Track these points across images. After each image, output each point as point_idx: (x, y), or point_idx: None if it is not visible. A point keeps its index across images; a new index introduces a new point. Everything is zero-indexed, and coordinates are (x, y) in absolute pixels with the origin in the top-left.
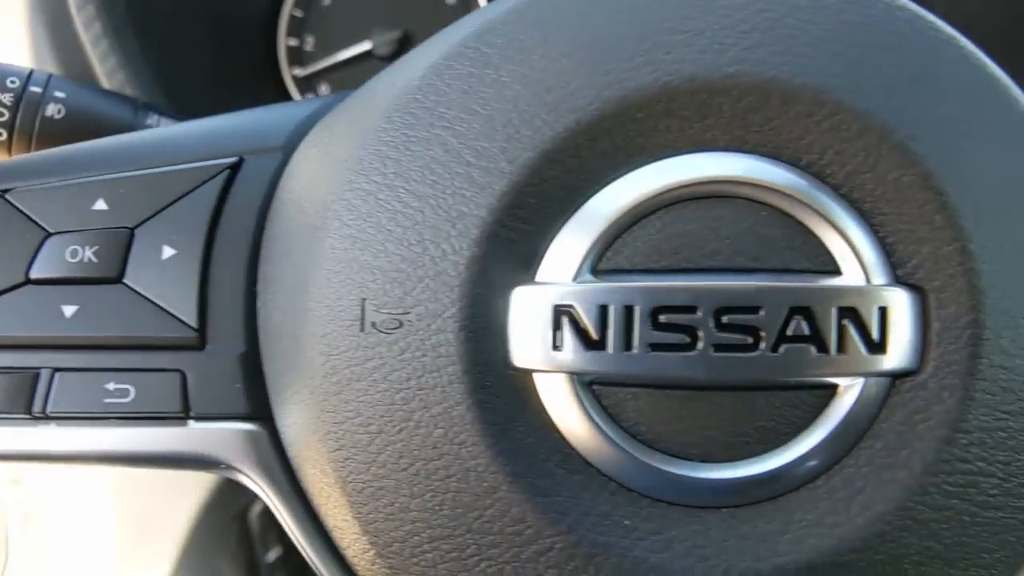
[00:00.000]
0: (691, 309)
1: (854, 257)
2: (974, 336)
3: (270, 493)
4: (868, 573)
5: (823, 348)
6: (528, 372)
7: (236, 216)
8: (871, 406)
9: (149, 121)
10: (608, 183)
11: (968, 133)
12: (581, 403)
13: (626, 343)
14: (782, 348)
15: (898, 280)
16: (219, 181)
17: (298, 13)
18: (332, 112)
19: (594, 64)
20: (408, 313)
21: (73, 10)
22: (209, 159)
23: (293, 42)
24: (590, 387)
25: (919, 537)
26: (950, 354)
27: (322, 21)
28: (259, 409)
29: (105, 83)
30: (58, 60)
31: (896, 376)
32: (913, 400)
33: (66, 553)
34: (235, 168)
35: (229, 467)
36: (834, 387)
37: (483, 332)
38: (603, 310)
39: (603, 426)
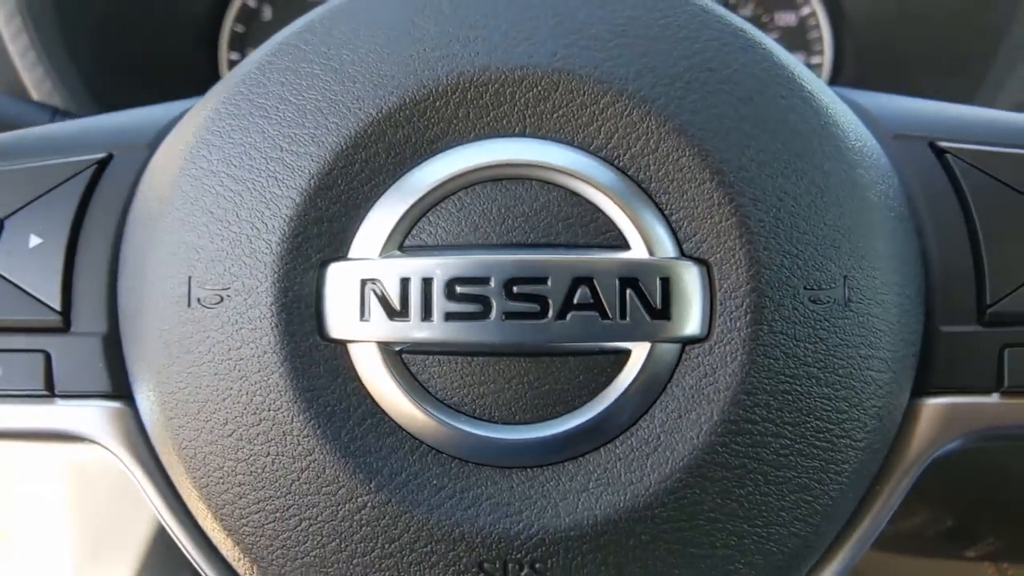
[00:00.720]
0: (484, 280)
1: (639, 233)
2: (755, 304)
3: (132, 466)
4: (664, 528)
5: (608, 316)
6: (342, 342)
7: (102, 208)
8: (663, 371)
9: None
10: (413, 167)
11: (746, 116)
12: (390, 370)
13: (426, 313)
14: (569, 315)
15: (683, 254)
16: (87, 175)
17: (239, 28)
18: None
19: (397, 57)
20: (228, 288)
21: (1, 21)
22: (81, 155)
23: (235, 56)
24: (399, 355)
25: (712, 495)
26: (733, 321)
27: (263, 35)
28: (121, 387)
29: (34, 94)
30: None
31: (686, 342)
32: (701, 365)
33: (29, 554)
34: (104, 163)
35: (94, 442)
36: (627, 353)
37: (296, 305)
38: (405, 283)
39: (411, 392)
